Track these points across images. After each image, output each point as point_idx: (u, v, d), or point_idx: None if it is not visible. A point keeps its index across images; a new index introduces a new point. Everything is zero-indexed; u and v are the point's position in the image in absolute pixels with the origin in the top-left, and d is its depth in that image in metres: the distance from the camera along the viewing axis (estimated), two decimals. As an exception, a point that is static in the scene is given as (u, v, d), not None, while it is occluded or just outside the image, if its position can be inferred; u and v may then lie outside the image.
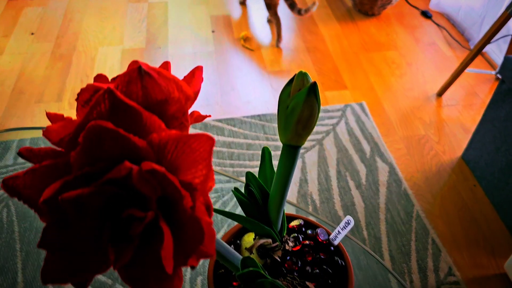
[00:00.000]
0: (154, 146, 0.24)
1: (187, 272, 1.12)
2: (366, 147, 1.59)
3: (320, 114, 1.72)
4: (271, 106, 1.78)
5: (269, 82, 1.92)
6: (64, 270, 0.23)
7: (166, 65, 0.30)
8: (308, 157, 1.55)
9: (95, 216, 0.24)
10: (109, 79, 0.29)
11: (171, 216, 0.25)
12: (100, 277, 1.12)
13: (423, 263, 1.27)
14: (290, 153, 0.39)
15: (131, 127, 0.24)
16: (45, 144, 1.44)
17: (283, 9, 2.37)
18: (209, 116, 0.33)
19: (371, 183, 1.47)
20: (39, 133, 1.51)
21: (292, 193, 1.43)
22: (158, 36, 2.16)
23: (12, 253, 1.18)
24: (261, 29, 2.25)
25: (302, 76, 0.36)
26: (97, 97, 0.23)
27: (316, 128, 1.66)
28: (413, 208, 1.40)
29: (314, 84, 0.35)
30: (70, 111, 1.75)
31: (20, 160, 1.41)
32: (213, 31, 2.21)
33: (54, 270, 0.23)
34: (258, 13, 2.36)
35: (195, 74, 0.30)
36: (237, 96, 1.84)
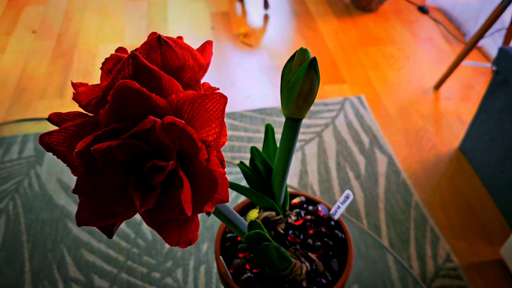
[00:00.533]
0: (172, 106, 0.27)
1: (191, 260, 1.15)
2: (365, 139, 1.62)
3: (319, 108, 1.75)
4: (271, 100, 1.81)
5: (268, 77, 1.94)
6: (94, 215, 0.26)
7: (180, 38, 0.33)
8: (308, 149, 1.58)
9: (121, 167, 0.26)
10: (129, 52, 0.32)
11: (186, 170, 0.27)
12: (106, 266, 1.15)
13: (421, 250, 1.30)
14: (292, 125, 0.42)
15: (151, 89, 0.27)
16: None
17: (282, 7, 2.40)
18: (218, 88, 0.36)
19: (370, 173, 1.50)
20: (43, 128, 1.54)
21: (292, 184, 1.46)
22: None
23: (19, 244, 1.21)
24: (259, 25, 2.28)
25: (302, 52, 0.39)
26: (122, 62, 0.26)
27: (315, 121, 1.69)
28: (411, 198, 1.43)
29: (314, 59, 0.38)
30: (72, 107, 1.77)
31: (25, 154, 1.43)
32: (212, 28, 2.24)
33: (86, 214, 0.26)
34: (256, 9, 2.39)
35: (206, 48, 0.33)
36: (237, 91, 1.87)
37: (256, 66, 2.01)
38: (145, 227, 1.25)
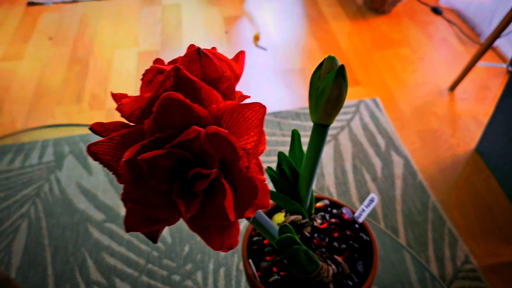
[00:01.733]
0: (212, 116, 0.28)
1: (210, 263, 1.16)
2: (381, 141, 1.62)
3: (334, 110, 1.75)
4: (286, 103, 1.82)
5: (283, 80, 1.95)
6: (141, 221, 0.27)
7: (213, 49, 0.34)
8: (324, 151, 1.58)
9: (165, 175, 0.27)
10: (165, 63, 0.33)
11: (226, 177, 0.28)
12: (126, 269, 1.16)
13: (440, 252, 1.30)
14: (320, 131, 0.43)
15: (191, 100, 0.28)
16: (67, 144, 1.48)
17: (295, 10, 2.41)
18: (249, 96, 0.37)
19: (386, 176, 1.50)
20: (62, 134, 1.56)
21: (309, 187, 1.46)
22: (173, 38, 2.21)
23: (41, 248, 1.23)
24: (273, 28, 2.29)
25: (330, 60, 0.40)
26: (166, 74, 0.27)
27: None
28: (428, 199, 1.43)
29: (342, 67, 0.39)
30: (90, 112, 1.80)
31: (45, 159, 1.46)
32: (226, 32, 2.25)
33: (133, 221, 0.27)
34: (270, 13, 2.40)
35: (239, 58, 0.34)
36: (251, 95, 1.86)
37: (271, 69, 2.02)
38: (165, 230, 1.26)
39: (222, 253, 1.18)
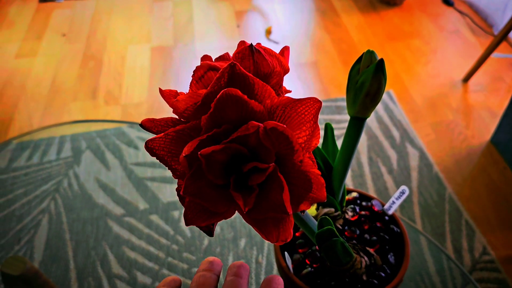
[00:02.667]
0: (266, 111, 0.29)
1: (229, 256, 1.17)
2: (396, 134, 1.62)
3: (348, 103, 1.75)
4: (300, 97, 1.82)
5: (296, 73, 1.95)
6: (199, 214, 0.28)
7: (259, 45, 0.34)
8: (339, 144, 1.58)
9: (221, 169, 0.28)
10: (213, 59, 0.34)
11: (280, 170, 0.29)
12: (147, 262, 1.18)
13: (458, 244, 1.30)
14: (357, 124, 0.43)
15: (245, 95, 0.28)
16: (84, 140, 1.49)
17: (306, 3, 2.41)
18: (291, 91, 0.38)
19: (402, 168, 1.50)
20: (79, 129, 1.57)
21: (325, 180, 1.47)
22: (185, 33, 2.22)
23: (62, 242, 1.25)
24: (285, 22, 2.29)
25: (369, 54, 0.40)
26: (222, 71, 0.28)
27: (345, 116, 1.70)
28: (445, 191, 1.43)
29: (381, 60, 0.39)
30: (105, 108, 1.81)
31: (63, 155, 1.47)
32: (238, 26, 2.26)
33: (192, 214, 0.28)
34: (280, 7, 2.40)
35: (285, 53, 0.35)
36: (265, 89, 1.88)
37: (283, 63, 2.01)
38: (183, 224, 1.27)
39: (241, 246, 1.19)
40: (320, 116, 1.70)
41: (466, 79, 1.90)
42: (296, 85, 1.90)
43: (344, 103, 1.75)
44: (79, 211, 1.32)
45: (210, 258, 0.39)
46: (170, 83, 1.91)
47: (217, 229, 1.22)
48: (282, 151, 0.28)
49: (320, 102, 0.28)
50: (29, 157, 1.46)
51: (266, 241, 1.13)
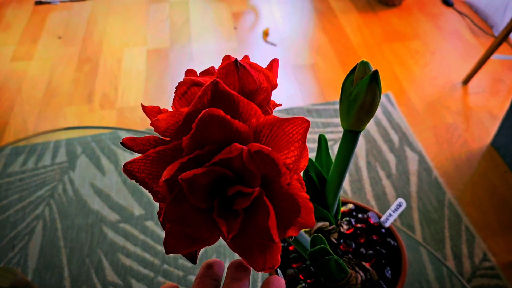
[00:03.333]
0: (251, 130, 0.27)
1: (225, 263, 1.16)
2: (395, 137, 1.60)
3: (347, 106, 1.73)
4: (297, 100, 1.81)
5: (293, 76, 1.94)
6: (181, 241, 0.26)
7: (246, 58, 0.32)
8: (337, 148, 1.57)
9: (204, 192, 0.26)
10: (197, 73, 0.32)
11: (267, 193, 0.27)
12: (142, 269, 1.16)
13: (457, 249, 1.29)
14: (351, 137, 0.41)
15: (229, 114, 0.27)
16: (79, 144, 1.47)
17: (304, 4, 2.39)
18: (280, 104, 0.36)
19: (401, 172, 1.49)
20: (74, 134, 1.56)
21: (323, 185, 1.45)
22: (181, 35, 2.20)
23: (57, 250, 1.23)
24: (283, 23, 2.27)
25: (363, 65, 0.38)
26: (203, 89, 0.26)
27: (343, 120, 1.68)
28: (444, 196, 1.42)
29: (376, 72, 0.37)
30: (101, 112, 1.79)
31: (57, 160, 1.45)
32: (235, 28, 2.24)
33: (173, 241, 0.26)
34: (278, 8, 2.38)
35: (273, 66, 0.33)
36: (263, 91, 1.86)
37: (280, 65, 2.00)
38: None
39: (237, 254, 1.17)
40: (318, 120, 1.69)
41: (466, 81, 1.88)
42: (294, 87, 1.88)
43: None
44: (74, 217, 1.30)
45: (210, 260, 0.38)
46: (166, 86, 1.90)
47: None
48: (268, 174, 0.26)
49: (308, 121, 0.26)
50: (23, 162, 1.44)
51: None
